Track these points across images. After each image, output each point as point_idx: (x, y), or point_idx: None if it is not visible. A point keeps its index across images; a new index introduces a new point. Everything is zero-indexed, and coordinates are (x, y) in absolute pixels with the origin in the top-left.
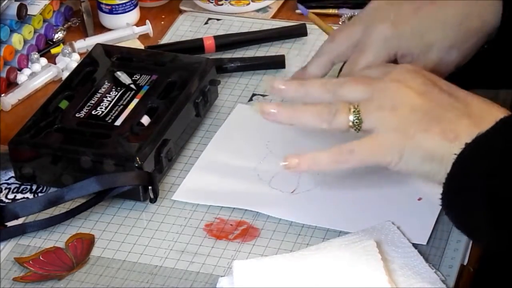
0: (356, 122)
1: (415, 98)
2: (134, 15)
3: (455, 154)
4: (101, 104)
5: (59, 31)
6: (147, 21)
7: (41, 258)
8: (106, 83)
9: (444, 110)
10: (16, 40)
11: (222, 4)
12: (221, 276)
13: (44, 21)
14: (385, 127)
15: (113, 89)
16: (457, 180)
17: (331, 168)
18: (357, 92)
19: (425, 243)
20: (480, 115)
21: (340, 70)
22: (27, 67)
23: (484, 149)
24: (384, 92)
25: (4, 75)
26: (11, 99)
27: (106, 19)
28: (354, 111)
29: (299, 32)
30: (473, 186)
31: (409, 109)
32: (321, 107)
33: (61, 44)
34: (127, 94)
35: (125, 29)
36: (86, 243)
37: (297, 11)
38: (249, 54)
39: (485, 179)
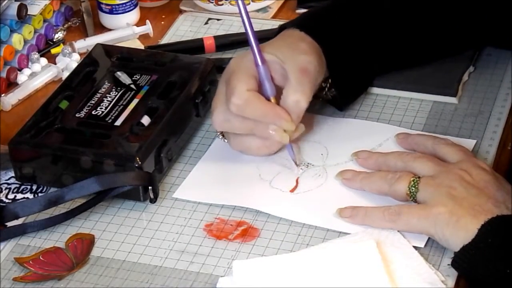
0: (413, 190)
1: (473, 189)
2: (134, 15)
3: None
4: (101, 104)
5: (59, 31)
6: (147, 21)
7: (41, 258)
8: (106, 83)
9: (495, 206)
10: (16, 40)
11: (222, 4)
12: (221, 276)
13: (44, 21)
14: (436, 202)
15: (113, 89)
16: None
17: (380, 225)
18: (425, 168)
19: (422, 246)
20: None
21: None
22: (27, 67)
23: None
24: (447, 174)
25: (4, 75)
26: (11, 99)
27: (106, 19)
28: (414, 180)
29: None
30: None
31: (464, 194)
32: (388, 172)
33: (61, 44)
34: (127, 94)
35: (125, 29)
36: (86, 243)
37: (297, 11)
38: None
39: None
